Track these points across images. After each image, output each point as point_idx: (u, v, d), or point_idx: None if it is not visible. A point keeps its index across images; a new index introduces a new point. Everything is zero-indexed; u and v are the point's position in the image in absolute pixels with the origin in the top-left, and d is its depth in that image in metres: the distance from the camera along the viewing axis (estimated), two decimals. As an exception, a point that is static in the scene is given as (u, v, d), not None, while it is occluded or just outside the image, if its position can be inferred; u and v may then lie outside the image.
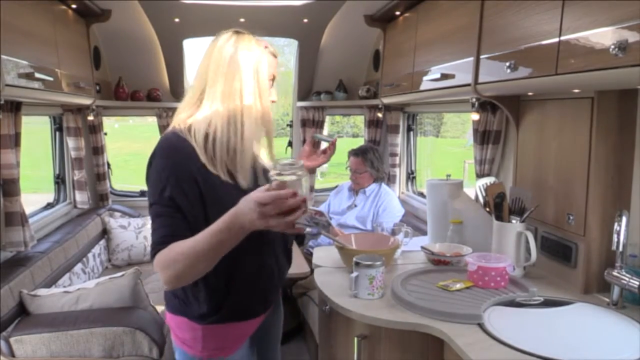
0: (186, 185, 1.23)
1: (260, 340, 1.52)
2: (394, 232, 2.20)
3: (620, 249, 1.49)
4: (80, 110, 3.39)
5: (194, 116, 1.31)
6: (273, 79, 1.37)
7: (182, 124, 1.30)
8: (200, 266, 1.18)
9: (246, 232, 1.14)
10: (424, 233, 2.64)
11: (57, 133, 3.46)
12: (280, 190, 1.07)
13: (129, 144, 14.76)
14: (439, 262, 1.99)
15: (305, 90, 4.04)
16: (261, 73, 1.31)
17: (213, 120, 1.28)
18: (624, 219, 1.46)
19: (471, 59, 1.96)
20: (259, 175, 1.36)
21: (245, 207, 1.09)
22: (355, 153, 3.32)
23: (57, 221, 3.23)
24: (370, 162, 3.26)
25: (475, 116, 2.36)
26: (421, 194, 3.65)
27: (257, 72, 1.30)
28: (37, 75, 2.06)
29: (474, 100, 2.12)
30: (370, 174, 3.28)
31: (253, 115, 1.29)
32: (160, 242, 1.20)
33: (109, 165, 3.91)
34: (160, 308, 2.58)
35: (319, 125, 4.04)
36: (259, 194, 1.08)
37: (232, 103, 1.27)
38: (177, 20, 3.40)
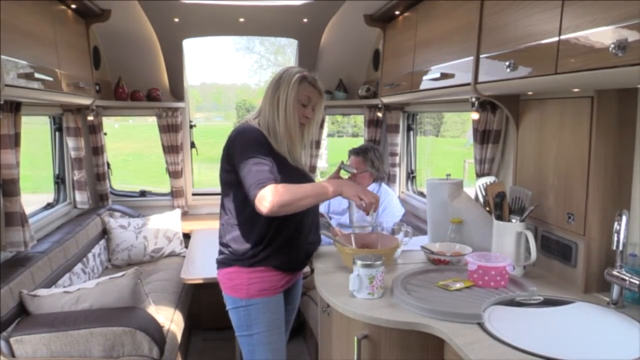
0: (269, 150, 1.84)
1: (286, 299, 2.02)
2: (394, 232, 2.20)
3: (620, 248, 1.49)
4: (80, 110, 3.39)
5: (258, 119, 1.93)
6: (308, 100, 1.92)
7: (252, 121, 1.93)
8: (305, 202, 1.76)
9: (337, 194, 1.79)
10: (424, 233, 2.64)
11: (57, 133, 3.46)
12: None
13: (129, 144, 14.77)
14: (439, 262, 1.99)
15: (305, 89, 4.04)
16: (288, 103, 1.87)
17: (268, 124, 1.90)
18: (624, 219, 1.46)
19: (471, 58, 1.96)
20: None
21: (348, 181, 1.88)
22: (356, 152, 3.31)
23: (57, 221, 3.23)
24: (371, 162, 3.26)
25: (475, 115, 2.36)
26: (421, 194, 3.65)
27: (286, 102, 1.87)
28: (36, 75, 2.06)
29: (473, 99, 2.11)
30: (371, 173, 3.27)
31: (282, 124, 1.87)
32: (267, 178, 1.74)
33: (108, 165, 3.91)
34: (160, 308, 2.58)
35: (319, 125, 4.03)
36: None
37: (273, 116, 1.89)
38: (176, 20, 3.40)
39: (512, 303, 1.60)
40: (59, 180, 3.49)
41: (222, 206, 1.94)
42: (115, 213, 3.76)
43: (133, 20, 3.37)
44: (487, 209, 2.03)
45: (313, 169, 4.08)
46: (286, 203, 1.71)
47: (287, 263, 1.93)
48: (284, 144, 1.88)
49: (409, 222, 2.65)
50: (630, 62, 1.13)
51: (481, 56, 1.90)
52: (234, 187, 1.85)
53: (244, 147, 1.81)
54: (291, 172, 1.88)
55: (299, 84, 1.88)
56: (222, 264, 1.96)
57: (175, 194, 4.05)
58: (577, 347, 1.33)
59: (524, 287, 1.67)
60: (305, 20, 3.46)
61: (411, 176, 3.90)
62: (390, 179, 3.81)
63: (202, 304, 3.46)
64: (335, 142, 14.07)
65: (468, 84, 1.97)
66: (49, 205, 3.33)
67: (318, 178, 5.29)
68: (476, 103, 2.15)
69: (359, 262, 1.65)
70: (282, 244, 1.89)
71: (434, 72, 2.34)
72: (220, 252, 1.97)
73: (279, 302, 1.95)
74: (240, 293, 1.89)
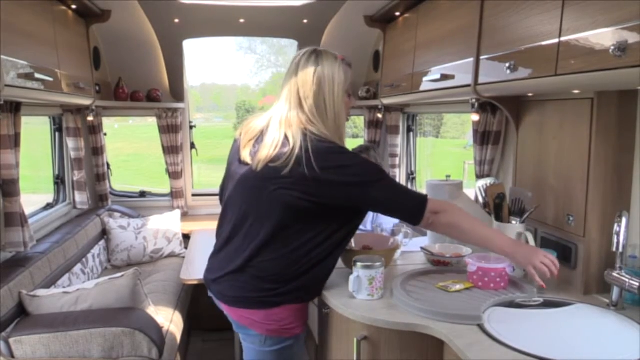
0: None
1: None
2: (393, 233, 2.20)
3: (620, 250, 1.49)
4: (80, 110, 3.39)
5: (313, 128, 1.54)
6: (351, 87, 1.64)
7: (323, 133, 1.54)
8: (472, 238, 1.61)
9: (506, 255, 1.59)
10: (424, 234, 2.64)
11: (57, 133, 3.46)
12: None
13: (129, 144, 14.75)
14: (438, 263, 1.99)
15: (305, 90, 4.04)
16: (338, 100, 1.56)
17: (326, 133, 1.55)
18: (624, 220, 1.46)
19: (471, 59, 1.96)
20: None
21: (532, 248, 1.61)
22: (359, 150, 3.32)
23: (57, 222, 3.23)
24: (374, 159, 3.28)
25: (475, 117, 2.36)
26: (421, 195, 3.64)
27: (334, 100, 1.55)
28: (36, 75, 2.05)
29: (473, 101, 2.11)
30: None
31: (334, 130, 1.56)
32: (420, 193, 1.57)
33: (108, 165, 3.91)
34: (160, 309, 2.58)
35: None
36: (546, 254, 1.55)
37: (328, 121, 1.55)
38: (177, 21, 3.40)
39: (512, 305, 1.60)
40: (59, 181, 3.49)
41: (277, 236, 1.55)
42: (114, 214, 3.76)
43: (133, 21, 3.37)
44: (487, 210, 2.03)
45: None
46: (455, 225, 1.56)
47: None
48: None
49: (408, 223, 2.65)
50: (630, 64, 1.13)
51: (481, 57, 1.90)
52: (324, 218, 1.55)
53: (371, 172, 1.53)
54: None
55: (343, 71, 1.58)
56: (260, 304, 1.60)
57: (175, 194, 4.05)
58: (576, 348, 1.33)
59: (524, 288, 1.67)
60: (305, 21, 3.46)
61: (411, 177, 3.90)
62: (390, 180, 3.81)
63: (201, 305, 3.45)
64: (335, 143, 14.01)
65: (468, 85, 1.97)
66: (48, 206, 3.33)
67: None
68: (476, 104, 2.15)
69: (358, 264, 1.65)
70: (332, 269, 1.70)
71: (434, 73, 2.34)
72: (255, 289, 1.59)
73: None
74: (293, 331, 1.64)
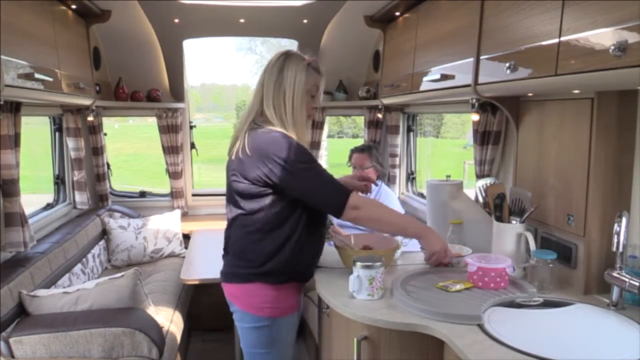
0: None
1: None
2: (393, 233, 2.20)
3: (620, 249, 1.49)
4: (80, 110, 3.39)
5: (269, 121, 1.71)
6: (317, 89, 1.78)
7: (271, 125, 1.70)
8: (387, 227, 1.82)
9: (418, 238, 1.80)
10: (424, 234, 2.64)
11: (57, 133, 3.46)
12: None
13: (129, 144, 14.77)
14: (438, 263, 1.98)
15: (305, 90, 4.05)
16: (297, 100, 1.69)
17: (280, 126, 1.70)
18: (624, 220, 1.46)
19: (471, 59, 1.96)
20: None
21: (440, 239, 1.82)
22: (361, 149, 3.34)
23: (57, 222, 3.23)
24: (375, 158, 3.29)
25: (475, 117, 2.36)
26: (421, 195, 3.65)
27: (293, 100, 1.69)
28: (36, 75, 2.06)
29: (474, 100, 2.12)
30: (375, 169, 3.29)
31: (291, 125, 1.70)
32: (344, 187, 1.69)
33: (108, 165, 3.91)
34: (160, 309, 2.58)
35: (319, 126, 4.04)
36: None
37: (284, 116, 1.70)
38: (176, 20, 3.40)
39: (512, 304, 1.60)
40: (59, 181, 3.49)
41: (237, 218, 1.75)
42: (115, 214, 3.76)
43: (133, 20, 3.37)
44: (487, 210, 2.03)
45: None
46: (375, 219, 1.74)
47: (310, 272, 1.86)
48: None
49: (408, 223, 2.64)
50: (630, 64, 1.13)
51: (481, 57, 1.90)
52: (267, 199, 1.68)
53: (301, 152, 1.64)
54: None
55: (307, 73, 1.72)
56: (237, 277, 1.77)
57: (175, 194, 4.05)
58: (576, 348, 1.33)
59: (524, 288, 1.67)
60: (305, 21, 3.47)
61: (411, 177, 3.90)
62: (390, 180, 3.81)
63: (201, 305, 3.45)
64: (336, 144, 14.06)
65: (468, 85, 1.97)
66: (48, 206, 3.33)
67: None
68: (476, 104, 2.15)
69: (358, 264, 1.65)
70: (309, 254, 1.81)
71: (434, 73, 2.34)
72: (234, 265, 1.79)
73: (298, 317, 1.88)
74: (265, 312, 1.74)
